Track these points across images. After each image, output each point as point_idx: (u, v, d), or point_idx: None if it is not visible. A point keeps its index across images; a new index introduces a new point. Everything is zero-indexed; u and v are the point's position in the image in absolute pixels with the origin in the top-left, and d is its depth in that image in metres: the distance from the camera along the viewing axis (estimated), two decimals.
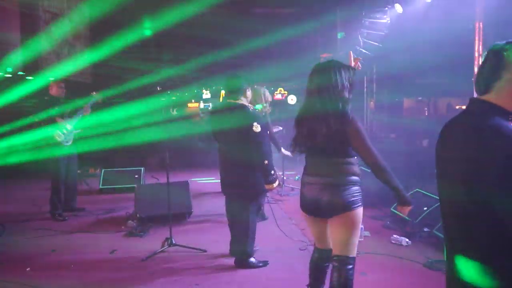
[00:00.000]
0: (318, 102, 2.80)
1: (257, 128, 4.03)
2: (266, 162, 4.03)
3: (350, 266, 2.84)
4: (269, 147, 4.20)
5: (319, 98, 2.80)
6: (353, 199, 2.79)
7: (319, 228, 3.03)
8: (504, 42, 1.66)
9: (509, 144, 1.48)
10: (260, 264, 4.37)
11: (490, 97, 1.63)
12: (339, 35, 9.81)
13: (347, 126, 2.72)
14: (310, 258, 3.19)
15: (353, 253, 2.86)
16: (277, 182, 4.14)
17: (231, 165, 4.30)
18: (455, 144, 1.67)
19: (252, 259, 4.38)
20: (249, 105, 4.34)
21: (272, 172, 4.07)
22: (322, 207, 2.83)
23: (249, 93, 4.39)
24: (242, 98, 4.28)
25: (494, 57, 1.63)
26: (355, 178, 2.83)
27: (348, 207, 2.78)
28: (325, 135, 2.74)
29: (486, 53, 1.69)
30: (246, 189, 4.25)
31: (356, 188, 2.83)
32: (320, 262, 3.13)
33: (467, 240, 1.64)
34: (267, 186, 4.13)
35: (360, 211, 2.84)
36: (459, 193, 1.63)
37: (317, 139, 2.79)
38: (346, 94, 2.82)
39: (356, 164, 2.86)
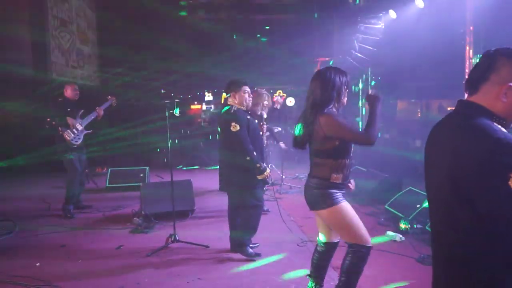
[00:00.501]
0: (308, 106, 2.98)
1: (235, 127, 4.17)
2: (248, 158, 4.18)
3: (361, 254, 2.97)
4: (249, 144, 4.24)
5: (310, 103, 2.96)
6: (325, 198, 2.91)
7: (319, 221, 3.18)
8: (497, 48, 1.66)
9: (491, 143, 1.47)
10: (253, 255, 4.44)
11: (477, 98, 1.63)
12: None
13: (324, 125, 2.82)
14: (314, 250, 3.30)
15: (362, 241, 2.95)
16: (267, 171, 4.30)
17: (222, 163, 4.56)
18: (442, 143, 1.67)
19: (248, 248, 4.47)
20: (236, 106, 4.36)
21: (258, 165, 4.21)
22: (308, 202, 3.06)
23: (238, 95, 4.38)
24: (231, 100, 4.41)
25: (487, 60, 1.62)
26: (330, 182, 2.91)
27: (320, 205, 2.94)
28: (309, 137, 2.94)
29: (481, 56, 1.69)
30: (236, 186, 4.40)
31: (330, 190, 2.91)
32: (324, 255, 3.23)
33: (453, 238, 1.64)
34: (259, 177, 4.25)
35: (337, 208, 2.91)
36: (445, 191, 1.63)
37: (304, 141, 3.01)
38: (339, 98, 2.96)
39: (335, 166, 2.91)
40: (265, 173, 4.27)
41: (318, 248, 3.26)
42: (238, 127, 4.17)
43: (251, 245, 4.60)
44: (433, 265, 1.77)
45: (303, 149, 3.09)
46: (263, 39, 11.07)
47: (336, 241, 3.23)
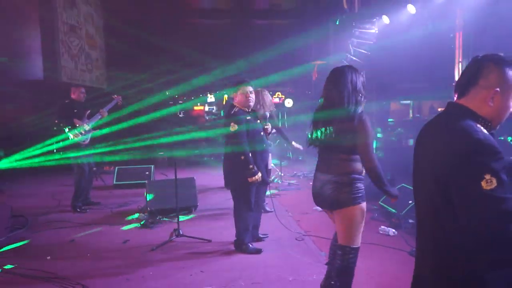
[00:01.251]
0: (329, 103, 2.83)
1: (233, 127, 4.14)
2: (242, 157, 4.13)
3: (352, 255, 2.87)
4: (245, 145, 4.18)
5: (331, 100, 2.82)
6: (352, 196, 2.76)
7: (331, 217, 3.05)
8: (485, 54, 1.67)
9: (470, 143, 1.48)
10: (254, 251, 4.41)
11: (465, 101, 1.64)
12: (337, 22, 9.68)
13: (354, 127, 2.70)
14: (331, 241, 3.21)
15: (355, 243, 2.87)
16: (258, 176, 4.18)
17: (224, 160, 4.54)
18: (428, 142, 1.68)
19: (248, 245, 4.44)
20: (237, 106, 4.33)
21: (251, 166, 4.13)
22: (324, 200, 2.87)
23: (240, 95, 4.32)
24: (234, 101, 4.41)
25: (475, 65, 1.63)
26: (356, 176, 2.79)
27: (346, 203, 2.77)
28: (333, 134, 2.77)
29: (470, 61, 1.70)
30: (235, 183, 4.38)
31: (357, 185, 2.78)
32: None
33: (436, 233, 1.63)
34: (249, 179, 4.18)
35: (359, 207, 2.79)
36: (429, 188, 1.63)
37: (326, 138, 2.81)
38: (358, 97, 2.79)
39: (358, 161, 2.80)
40: (255, 177, 4.15)
41: (334, 241, 3.15)
42: (236, 127, 4.14)
43: (261, 235, 4.64)
44: (416, 257, 1.76)
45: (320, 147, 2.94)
46: (262, 43, 11.06)
47: None
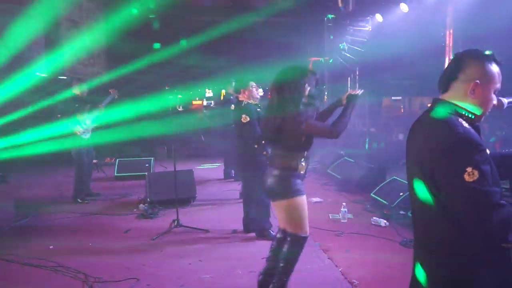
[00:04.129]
0: (274, 101, 2.90)
1: (245, 119, 4.32)
2: (256, 146, 4.22)
3: (301, 243, 2.94)
4: (258, 133, 4.20)
5: (275, 99, 2.89)
6: (289, 189, 2.83)
7: (277, 209, 3.08)
8: (465, 49, 1.70)
9: (452, 137, 1.49)
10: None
11: (448, 96, 1.65)
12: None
13: (295, 125, 2.77)
14: (274, 235, 3.20)
15: (303, 232, 2.92)
16: None
17: (237, 151, 4.68)
18: (415, 137, 1.70)
19: (271, 232, 4.45)
20: (246, 100, 4.50)
21: (265, 152, 4.20)
22: (268, 191, 2.99)
23: (247, 91, 4.51)
24: (241, 95, 4.57)
25: (455, 61, 1.66)
26: (293, 171, 2.86)
27: (284, 196, 2.85)
28: (273, 131, 2.85)
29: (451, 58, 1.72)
30: (247, 174, 4.49)
31: (293, 180, 2.85)
32: (281, 242, 3.09)
33: (428, 224, 1.64)
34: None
35: (296, 199, 2.85)
36: (416, 177, 1.64)
37: (269, 134, 2.92)
38: (301, 96, 2.82)
39: (297, 158, 2.86)
40: None
41: (277, 235, 3.12)
42: (248, 119, 4.31)
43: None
44: (414, 248, 1.77)
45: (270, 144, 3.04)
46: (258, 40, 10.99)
47: None
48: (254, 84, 4.56)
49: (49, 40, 9.72)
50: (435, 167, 1.52)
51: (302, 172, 2.90)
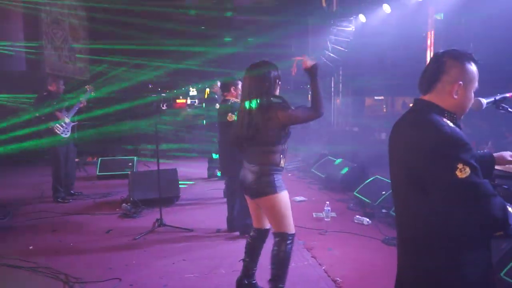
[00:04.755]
0: (246, 98, 2.88)
1: (231, 117, 4.28)
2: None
3: (289, 242, 2.89)
4: None
5: (248, 95, 2.88)
6: (270, 185, 2.80)
7: (253, 207, 3.06)
8: (444, 50, 1.71)
9: (439, 137, 1.51)
10: None
11: (430, 97, 1.67)
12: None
13: (271, 115, 2.75)
14: (248, 237, 3.19)
15: (290, 230, 2.90)
16: None
17: (222, 150, 4.64)
18: (399, 137, 1.71)
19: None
20: (233, 99, 4.51)
21: None
22: (248, 189, 2.91)
23: (235, 90, 4.54)
24: (228, 93, 4.56)
25: (435, 63, 1.67)
26: (274, 167, 2.83)
27: (265, 192, 2.81)
28: (251, 127, 2.81)
29: (430, 58, 1.73)
30: (232, 172, 4.38)
31: (274, 176, 2.82)
32: (257, 241, 3.12)
33: (412, 222, 1.66)
34: None
35: (279, 195, 2.82)
36: (402, 180, 1.67)
37: (247, 131, 2.84)
38: (273, 91, 2.85)
39: (278, 153, 2.84)
40: None
41: (252, 234, 3.13)
42: (234, 117, 4.25)
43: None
44: (397, 247, 1.78)
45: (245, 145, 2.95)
46: (250, 39, 10.99)
47: (267, 227, 3.11)
48: (240, 83, 4.55)
49: (30, 36, 9.53)
50: (423, 168, 1.53)
51: (282, 166, 2.88)
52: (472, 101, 1.69)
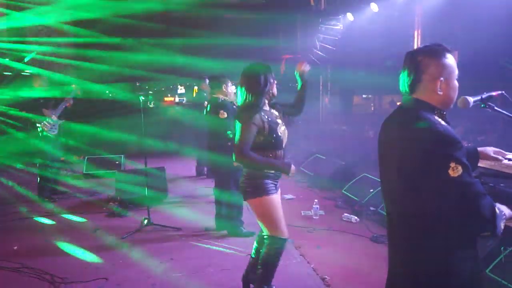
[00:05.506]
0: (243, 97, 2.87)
1: (222, 115, 4.28)
2: (229, 144, 4.15)
3: (277, 246, 2.86)
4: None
5: (246, 95, 2.85)
6: (258, 188, 2.79)
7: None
8: (416, 48, 1.71)
9: (432, 135, 1.51)
10: (248, 234, 4.43)
11: (417, 95, 1.66)
12: None
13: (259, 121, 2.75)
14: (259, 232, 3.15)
15: (279, 233, 2.85)
16: None
17: (210, 149, 4.56)
18: (390, 135, 1.71)
19: (242, 229, 4.50)
20: (222, 96, 4.48)
21: None
22: (241, 191, 2.92)
23: (226, 88, 4.51)
24: (218, 93, 4.51)
25: (412, 64, 1.65)
26: (265, 172, 2.80)
27: (253, 194, 2.81)
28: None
29: (404, 58, 1.70)
30: (221, 172, 4.44)
31: (263, 179, 2.79)
32: (262, 240, 3.05)
33: (403, 221, 1.66)
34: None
35: (266, 199, 2.79)
36: (393, 179, 1.66)
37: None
38: (263, 93, 2.81)
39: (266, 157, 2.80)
40: None
41: (259, 233, 3.10)
42: (225, 115, 4.26)
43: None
44: (388, 245, 1.78)
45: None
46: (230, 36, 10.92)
47: None
48: (229, 82, 4.57)
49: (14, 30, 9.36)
50: (415, 166, 1.53)
51: (272, 172, 2.81)
52: (457, 87, 1.68)
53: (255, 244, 3.12)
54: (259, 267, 2.91)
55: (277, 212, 2.85)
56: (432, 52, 1.64)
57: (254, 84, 2.80)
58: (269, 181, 2.83)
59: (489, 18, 5.07)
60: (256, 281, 2.93)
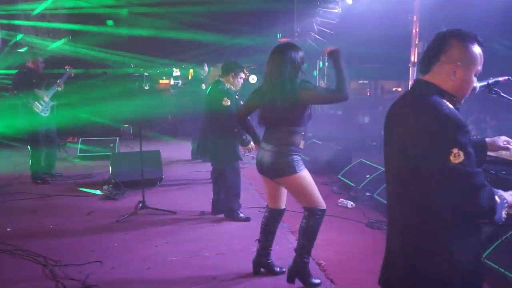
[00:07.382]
0: (271, 82, 2.88)
1: (226, 102, 4.18)
2: (236, 130, 4.14)
3: (318, 216, 2.97)
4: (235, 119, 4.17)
5: (273, 79, 2.87)
6: (289, 165, 2.84)
7: (269, 187, 3.12)
8: (447, 29, 1.63)
9: (438, 118, 1.45)
10: (244, 218, 4.47)
11: (430, 77, 1.61)
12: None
13: (298, 97, 2.77)
14: (263, 217, 3.25)
15: (318, 204, 2.96)
16: (251, 144, 4.20)
17: (210, 134, 4.51)
18: (397, 118, 1.65)
19: (239, 213, 4.51)
20: (228, 84, 4.35)
21: (244, 137, 4.18)
22: (265, 169, 2.94)
23: (233, 78, 4.37)
24: (224, 79, 4.38)
25: (437, 42, 1.61)
26: (293, 147, 2.87)
27: (284, 173, 2.86)
28: (275, 109, 2.82)
29: (434, 37, 1.65)
30: (220, 156, 4.43)
31: (293, 156, 2.86)
32: (271, 222, 3.19)
33: (405, 207, 1.61)
34: (244, 148, 4.25)
35: (298, 175, 2.86)
36: (398, 163, 1.61)
37: (269, 113, 2.87)
38: (298, 73, 2.85)
39: (299, 134, 2.87)
40: (249, 145, 4.21)
41: (266, 214, 3.21)
42: (229, 102, 4.19)
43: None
44: (387, 232, 1.74)
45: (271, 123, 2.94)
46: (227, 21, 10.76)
47: (283, 207, 3.20)
48: (242, 73, 4.44)
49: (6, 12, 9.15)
50: (418, 148, 1.48)
51: (302, 148, 2.91)
52: (473, 84, 1.62)
53: (263, 223, 3.19)
54: (300, 238, 3.00)
55: (312, 185, 2.95)
56: (461, 35, 1.58)
57: (285, 65, 2.86)
58: (299, 157, 2.90)
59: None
60: (297, 251, 3.02)
